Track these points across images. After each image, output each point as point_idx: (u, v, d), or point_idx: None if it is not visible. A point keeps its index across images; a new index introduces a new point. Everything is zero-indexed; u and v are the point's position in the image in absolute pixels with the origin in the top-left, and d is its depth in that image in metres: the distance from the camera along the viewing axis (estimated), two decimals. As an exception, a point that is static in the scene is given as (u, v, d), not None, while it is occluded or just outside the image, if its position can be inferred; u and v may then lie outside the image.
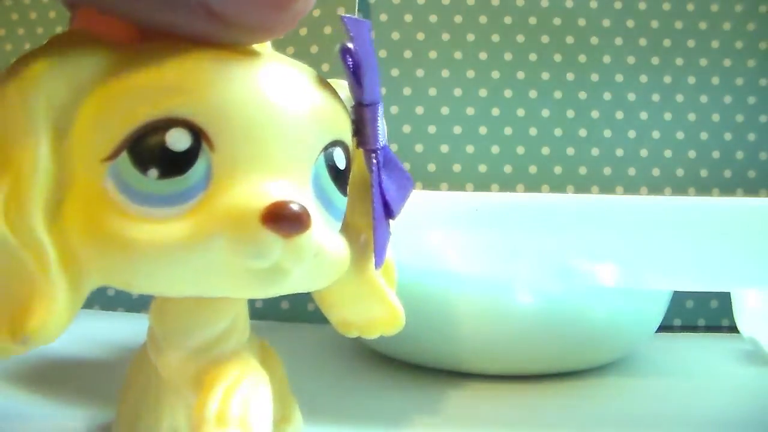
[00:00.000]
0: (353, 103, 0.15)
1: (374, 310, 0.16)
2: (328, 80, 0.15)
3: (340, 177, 0.14)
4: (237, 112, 0.12)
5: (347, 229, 0.15)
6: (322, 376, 0.26)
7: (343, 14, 0.14)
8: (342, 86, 0.15)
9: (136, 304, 0.40)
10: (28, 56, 0.12)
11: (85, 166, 0.12)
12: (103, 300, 0.40)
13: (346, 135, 0.14)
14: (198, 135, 0.12)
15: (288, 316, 0.39)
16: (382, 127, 0.15)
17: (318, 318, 0.38)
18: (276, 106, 0.13)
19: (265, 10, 0.12)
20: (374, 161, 0.15)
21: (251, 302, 0.15)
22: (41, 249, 0.12)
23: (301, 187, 0.13)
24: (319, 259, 0.13)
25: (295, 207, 0.12)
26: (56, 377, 0.24)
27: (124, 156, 0.12)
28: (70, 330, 0.33)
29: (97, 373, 0.25)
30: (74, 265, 0.12)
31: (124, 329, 0.33)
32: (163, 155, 0.12)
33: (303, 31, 0.39)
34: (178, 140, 0.12)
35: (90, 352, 0.29)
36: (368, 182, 0.15)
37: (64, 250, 0.12)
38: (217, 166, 0.12)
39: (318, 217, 0.13)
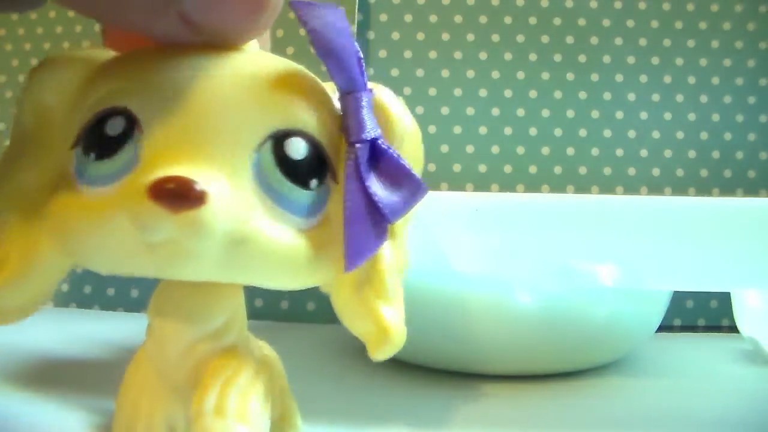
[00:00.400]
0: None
1: (364, 325, 0.15)
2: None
3: (296, 168, 0.14)
4: (162, 99, 0.13)
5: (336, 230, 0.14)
6: (322, 376, 0.26)
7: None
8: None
9: (136, 304, 0.40)
10: (37, 65, 0.15)
11: (63, 154, 0.14)
12: (103, 300, 0.40)
13: (312, 126, 0.14)
14: (133, 122, 0.13)
15: (288, 316, 0.39)
16: (369, 118, 0.14)
17: (318, 318, 0.38)
18: (200, 93, 0.13)
19: (237, 20, 0.13)
20: (350, 155, 0.14)
21: (250, 302, 0.15)
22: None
23: (233, 176, 0.13)
24: (246, 247, 0.13)
25: (181, 182, 0.12)
26: (56, 377, 0.24)
27: (81, 143, 0.14)
28: (70, 330, 0.33)
29: (97, 373, 0.25)
30: (36, 242, 0.14)
31: (124, 329, 0.33)
32: (101, 139, 0.13)
33: (302, 31, 0.39)
34: (113, 126, 0.13)
35: (90, 352, 0.29)
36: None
37: (29, 223, 0.14)
38: (144, 151, 0.13)
39: (242, 202, 0.13)
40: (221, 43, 0.14)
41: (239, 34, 0.14)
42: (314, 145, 0.14)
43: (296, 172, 0.14)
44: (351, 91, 0.14)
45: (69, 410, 0.20)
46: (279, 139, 0.14)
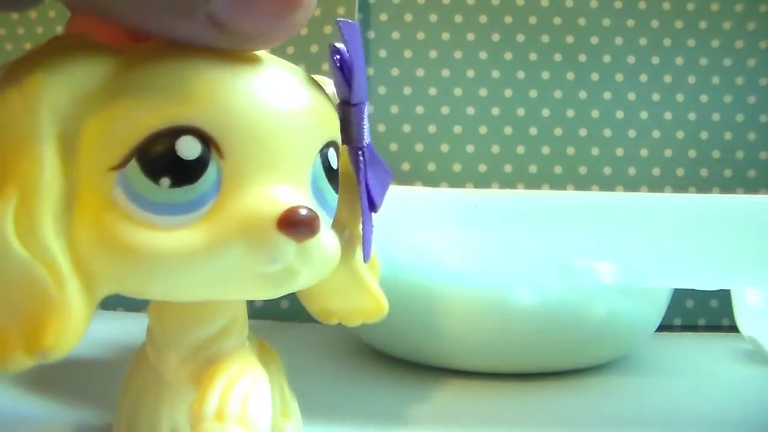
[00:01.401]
0: (338, 101, 0.15)
1: (359, 300, 0.17)
2: (316, 79, 0.15)
3: (333, 175, 0.14)
4: (243, 119, 0.12)
5: (335, 224, 0.15)
6: (322, 375, 0.26)
7: (339, 18, 0.14)
8: (327, 83, 0.15)
9: (136, 303, 0.40)
10: (27, 62, 0.12)
11: (93, 175, 0.12)
12: (103, 300, 0.40)
13: (337, 134, 0.15)
14: (207, 143, 0.12)
15: (288, 316, 0.39)
16: (367, 125, 0.15)
17: (318, 318, 0.38)
18: (280, 112, 0.13)
19: (268, 21, 0.13)
20: (361, 159, 0.15)
21: (251, 302, 0.15)
22: (53, 261, 0.12)
23: (302, 189, 0.13)
24: (319, 260, 0.13)
25: (305, 212, 0.12)
26: (56, 377, 0.24)
27: (134, 165, 0.12)
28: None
29: (97, 373, 0.25)
30: (86, 275, 0.12)
31: (124, 329, 0.33)
32: (175, 164, 0.12)
33: (303, 31, 0.39)
34: (188, 148, 0.12)
35: (90, 352, 0.29)
36: (352, 178, 0.15)
37: (75, 260, 0.12)
38: (226, 173, 0.12)
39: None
40: (249, 47, 0.13)
41: (271, 36, 0.13)
42: (338, 152, 0.15)
43: (333, 179, 0.14)
44: (361, 102, 0.15)
45: (69, 410, 0.20)
46: (324, 151, 0.14)
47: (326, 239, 0.14)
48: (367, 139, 0.15)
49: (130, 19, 0.12)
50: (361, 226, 0.16)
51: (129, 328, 0.33)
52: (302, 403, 0.17)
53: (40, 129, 0.12)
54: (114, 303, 0.40)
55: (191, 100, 0.12)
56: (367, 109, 0.15)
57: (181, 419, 0.15)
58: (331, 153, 0.14)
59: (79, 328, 0.12)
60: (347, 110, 0.15)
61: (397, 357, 0.28)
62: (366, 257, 0.16)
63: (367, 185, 0.15)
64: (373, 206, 0.16)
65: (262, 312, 0.38)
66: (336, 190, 0.15)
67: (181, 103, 0.12)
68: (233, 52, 0.13)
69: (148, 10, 0.12)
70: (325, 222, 0.14)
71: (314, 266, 0.13)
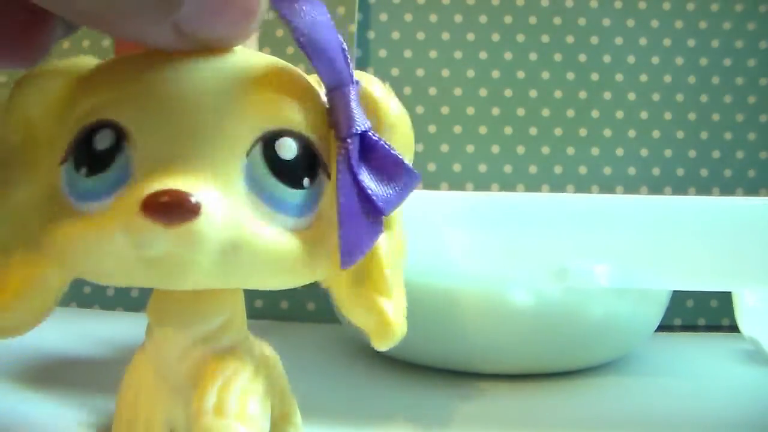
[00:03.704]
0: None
1: (365, 318, 0.15)
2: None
3: (288, 168, 0.14)
4: (149, 109, 0.13)
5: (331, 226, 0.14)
6: (322, 376, 0.26)
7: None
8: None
9: (136, 303, 0.40)
10: (20, 79, 0.15)
11: (51, 170, 0.14)
12: (103, 300, 0.40)
13: (301, 123, 0.14)
14: (121, 134, 0.13)
15: (288, 316, 0.39)
16: (357, 112, 0.14)
17: (318, 318, 0.38)
18: (186, 101, 0.13)
19: (226, 31, 0.14)
20: (341, 150, 0.14)
21: (250, 301, 0.15)
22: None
23: (222, 181, 0.13)
24: (241, 253, 0.13)
25: (176, 195, 0.12)
26: (56, 377, 0.24)
27: (71, 159, 0.13)
28: (71, 330, 0.33)
29: (97, 373, 0.25)
30: (34, 258, 0.14)
31: (123, 329, 0.34)
32: (91, 154, 0.13)
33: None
34: (101, 140, 0.13)
35: (90, 351, 0.29)
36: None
37: (25, 242, 0.14)
38: (136, 161, 0.13)
39: (235, 209, 0.13)
40: (202, 48, 0.14)
41: (228, 41, 0.14)
42: (304, 143, 0.14)
43: (288, 172, 0.14)
44: (338, 87, 0.14)
45: (69, 410, 0.20)
46: (269, 141, 0.14)
47: (250, 232, 0.13)
48: (358, 128, 0.14)
49: (105, 26, 0.14)
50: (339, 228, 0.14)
51: (129, 328, 0.33)
52: (302, 404, 0.17)
53: (10, 132, 0.14)
54: (114, 303, 0.40)
55: (110, 96, 0.13)
56: (353, 95, 0.14)
57: (181, 417, 0.15)
58: (284, 144, 0.14)
59: (16, 299, 0.13)
60: (327, 97, 0.14)
61: (396, 358, 0.28)
62: (342, 263, 0.14)
63: (358, 182, 0.14)
64: (374, 209, 0.14)
65: (262, 312, 0.38)
66: (294, 184, 0.14)
67: (104, 101, 0.13)
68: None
69: (122, 19, 0.13)
70: (270, 217, 0.13)
71: (211, 253, 0.12)
